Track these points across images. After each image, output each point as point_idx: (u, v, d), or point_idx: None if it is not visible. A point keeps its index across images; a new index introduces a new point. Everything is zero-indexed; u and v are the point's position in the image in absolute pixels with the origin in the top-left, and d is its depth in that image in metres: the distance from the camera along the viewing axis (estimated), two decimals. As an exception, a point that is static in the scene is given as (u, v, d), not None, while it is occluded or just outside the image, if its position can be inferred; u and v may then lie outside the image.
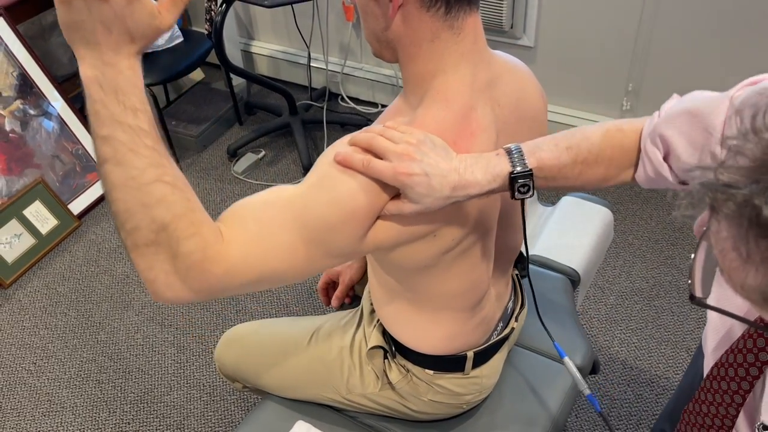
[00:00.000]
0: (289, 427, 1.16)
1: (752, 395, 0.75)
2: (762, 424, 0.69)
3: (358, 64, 2.80)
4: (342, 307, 1.35)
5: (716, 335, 0.81)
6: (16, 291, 2.21)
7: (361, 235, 0.80)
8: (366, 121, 2.74)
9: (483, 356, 1.09)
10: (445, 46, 0.81)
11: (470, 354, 1.06)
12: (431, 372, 1.07)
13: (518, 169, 0.78)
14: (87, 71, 0.66)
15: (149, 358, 1.96)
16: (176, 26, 2.55)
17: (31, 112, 2.38)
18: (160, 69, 2.45)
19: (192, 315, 2.08)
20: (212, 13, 2.34)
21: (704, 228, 0.55)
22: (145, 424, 1.79)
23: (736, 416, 0.77)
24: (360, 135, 0.81)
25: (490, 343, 1.09)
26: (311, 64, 2.85)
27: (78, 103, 2.51)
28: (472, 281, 0.97)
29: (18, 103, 2.34)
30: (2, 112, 2.30)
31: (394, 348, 1.09)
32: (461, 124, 0.82)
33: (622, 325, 1.92)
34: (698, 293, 0.59)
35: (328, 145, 1.59)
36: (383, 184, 0.78)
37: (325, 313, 1.31)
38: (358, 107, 2.87)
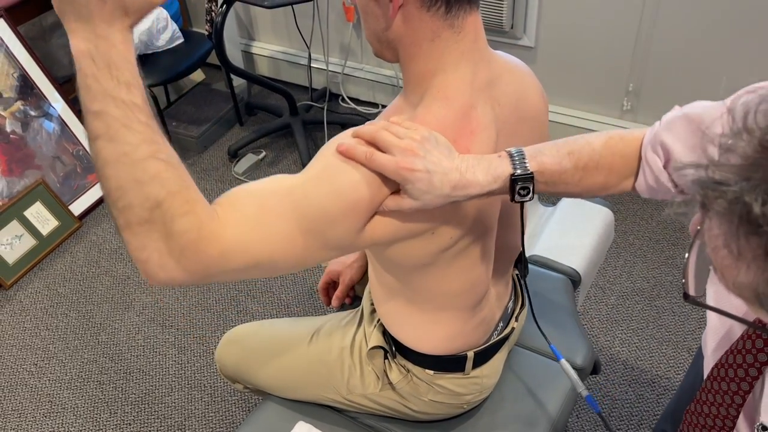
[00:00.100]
0: (290, 427, 1.16)
1: (752, 396, 0.75)
2: (761, 424, 0.69)
3: (359, 64, 2.80)
4: (342, 307, 1.35)
5: (716, 336, 0.81)
6: (17, 292, 2.21)
7: (359, 228, 0.79)
8: (366, 121, 2.74)
9: (483, 356, 1.09)
10: (446, 45, 0.81)
11: (470, 354, 1.06)
12: (431, 372, 1.07)
13: (519, 171, 0.78)
14: (79, 44, 0.64)
15: (150, 359, 1.96)
16: (176, 27, 2.55)
17: (32, 113, 2.38)
18: (161, 70, 2.46)
19: (193, 316, 2.08)
20: (213, 13, 2.34)
21: (698, 227, 0.55)
22: (146, 425, 1.79)
23: (737, 417, 0.77)
24: (364, 128, 0.80)
25: (490, 343, 1.09)
26: (312, 65, 2.85)
27: (78, 104, 2.51)
28: (471, 281, 0.97)
29: (19, 105, 2.34)
30: (3, 114, 2.30)
31: (394, 348, 1.09)
32: (461, 122, 0.82)
33: (623, 325, 1.92)
34: (692, 291, 0.59)
35: (328, 146, 1.58)
36: (384, 179, 0.78)
37: (325, 314, 1.31)
38: (359, 108, 2.87)
